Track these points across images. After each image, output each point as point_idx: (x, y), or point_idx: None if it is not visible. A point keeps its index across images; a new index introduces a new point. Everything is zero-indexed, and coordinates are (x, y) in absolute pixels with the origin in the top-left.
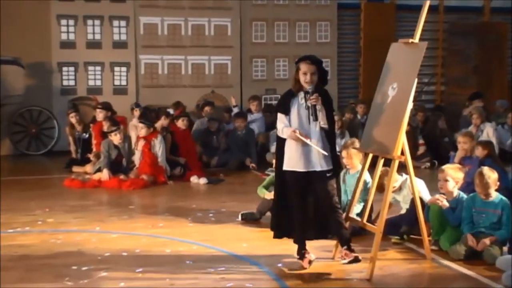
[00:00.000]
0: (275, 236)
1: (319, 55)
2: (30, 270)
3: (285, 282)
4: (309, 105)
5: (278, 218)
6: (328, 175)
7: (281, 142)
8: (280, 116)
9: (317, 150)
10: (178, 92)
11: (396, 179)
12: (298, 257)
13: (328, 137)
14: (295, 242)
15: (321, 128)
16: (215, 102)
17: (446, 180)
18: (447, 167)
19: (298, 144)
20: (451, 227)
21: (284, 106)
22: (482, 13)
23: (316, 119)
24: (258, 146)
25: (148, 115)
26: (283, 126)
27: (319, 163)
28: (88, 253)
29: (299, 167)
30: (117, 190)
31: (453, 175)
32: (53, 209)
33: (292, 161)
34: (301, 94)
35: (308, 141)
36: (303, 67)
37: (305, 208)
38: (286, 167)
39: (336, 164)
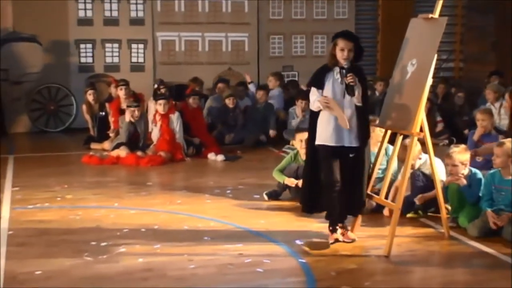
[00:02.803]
0: (304, 210)
1: (336, 32)
2: (50, 246)
3: (303, 259)
4: (346, 82)
5: (308, 193)
6: (354, 153)
7: (313, 116)
8: (313, 90)
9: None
10: (195, 69)
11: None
12: (330, 228)
13: (362, 114)
14: (326, 218)
15: (355, 105)
16: (231, 79)
17: (455, 165)
18: (453, 152)
19: (330, 118)
20: (470, 205)
21: (319, 81)
22: None
23: (350, 95)
24: (277, 122)
25: (163, 92)
26: (315, 98)
27: (348, 139)
28: (107, 229)
29: (331, 141)
30: (135, 166)
31: (461, 158)
32: (71, 186)
33: (324, 135)
34: (336, 69)
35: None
36: (341, 43)
37: (338, 183)
38: (318, 141)
39: (365, 140)
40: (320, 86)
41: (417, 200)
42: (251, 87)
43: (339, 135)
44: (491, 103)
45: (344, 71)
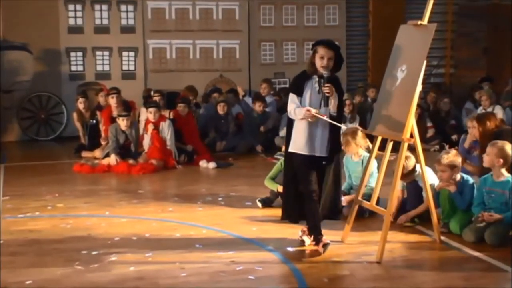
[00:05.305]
0: (283, 218)
1: (327, 38)
2: (41, 255)
3: (295, 265)
4: (323, 91)
5: (288, 202)
6: (325, 162)
7: (290, 124)
8: (292, 97)
9: (333, 123)
10: (187, 77)
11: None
12: (314, 243)
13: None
14: (309, 230)
15: (330, 114)
16: (223, 86)
17: (445, 171)
18: (443, 158)
19: (305, 128)
20: (461, 211)
21: (298, 87)
22: None
23: (326, 105)
24: (268, 130)
25: (154, 100)
26: (295, 106)
27: (319, 149)
28: (98, 237)
29: (304, 151)
30: (126, 175)
31: (451, 164)
32: (62, 194)
33: (298, 144)
34: (315, 78)
35: (324, 117)
36: (321, 50)
37: (315, 193)
38: (291, 149)
39: (335, 150)
40: (300, 93)
41: (399, 221)
42: (247, 99)
43: (312, 145)
44: (484, 108)
45: (322, 80)
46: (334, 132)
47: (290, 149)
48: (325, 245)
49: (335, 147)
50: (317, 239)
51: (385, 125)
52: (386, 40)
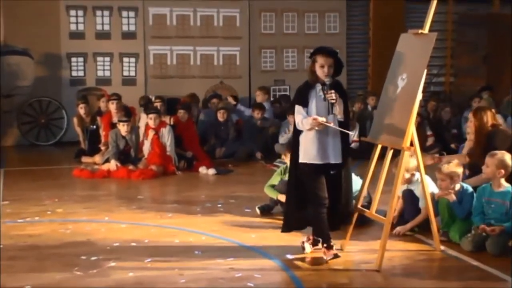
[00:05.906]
0: (283, 231)
1: (328, 46)
2: (40, 260)
3: (294, 273)
4: (328, 98)
5: (289, 212)
6: (340, 168)
7: (297, 135)
8: (298, 108)
9: (343, 131)
10: (187, 83)
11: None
12: (325, 246)
13: (344, 128)
14: (318, 236)
15: (338, 120)
16: (223, 93)
17: (443, 180)
18: (444, 167)
19: (315, 136)
20: (460, 219)
21: (303, 98)
22: (491, 4)
23: (333, 112)
24: (268, 136)
25: (155, 106)
26: (301, 117)
27: (334, 157)
28: (97, 243)
29: (316, 160)
30: (126, 180)
31: (451, 174)
32: (62, 199)
33: (309, 154)
34: (318, 86)
35: (331, 124)
36: (320, 59)
37: (326, 200)
38: (302, 159)
39: (348, 156)
40: (305, 104)
41: (396, 233)
42: (239, 107)
43: (325, 153)
44: None
45: (325, 87)
46: (343, 138)
47: (301, 160)
48: (335, 256)
49: (347, 151)
50: (329, 244)
51: (385, 133)
52: (386, 48)
